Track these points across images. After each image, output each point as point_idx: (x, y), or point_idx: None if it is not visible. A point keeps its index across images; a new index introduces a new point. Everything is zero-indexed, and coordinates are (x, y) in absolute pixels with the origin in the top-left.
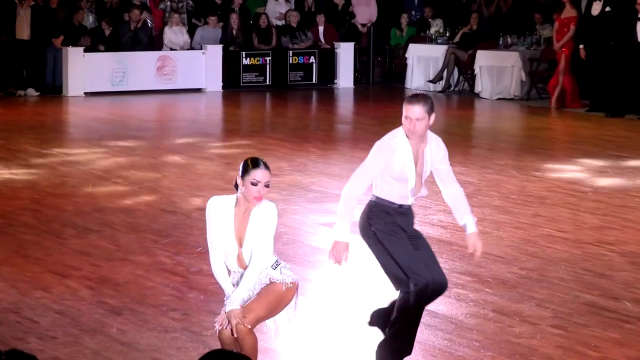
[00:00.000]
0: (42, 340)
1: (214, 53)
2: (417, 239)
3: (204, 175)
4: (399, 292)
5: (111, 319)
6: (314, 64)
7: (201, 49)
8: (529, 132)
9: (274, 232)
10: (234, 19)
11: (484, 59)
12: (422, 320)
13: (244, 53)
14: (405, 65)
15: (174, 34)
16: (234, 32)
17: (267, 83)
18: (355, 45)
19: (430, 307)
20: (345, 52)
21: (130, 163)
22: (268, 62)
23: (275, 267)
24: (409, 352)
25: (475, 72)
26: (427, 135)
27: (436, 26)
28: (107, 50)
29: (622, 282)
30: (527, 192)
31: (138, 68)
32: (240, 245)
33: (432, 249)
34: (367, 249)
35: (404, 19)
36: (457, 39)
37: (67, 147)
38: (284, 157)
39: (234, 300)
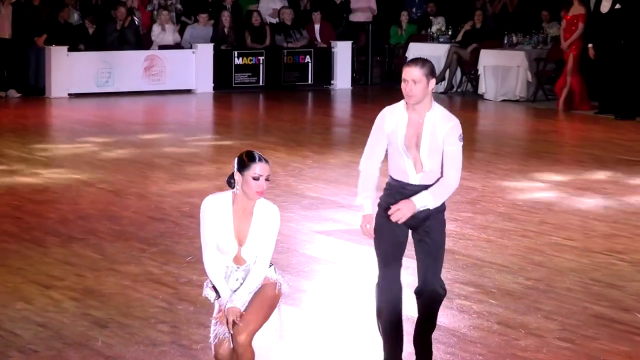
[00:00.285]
0: (23, 354)
1: (205, 52)
2: (425, 234)
3: (194, 180)
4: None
5: (96, 332)
6: (310, 64)
7: (191, 48)
8: (535, 136)
9: (276, 237)
10: (226, 17)
11: (488, 58)
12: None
13: (236, 52)
14: None
15: (163, 31)
16: (226, 30)
17: (261, 84)
18: (353, 44)
19: None
20: (343, 52)
21: (116, 168)
22: (261, 61)
23: (271, 265)
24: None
25: (479, 73)
26: (433, 106)
27: (438, 24)
28: (91, 49)
29: (633, 293)
30: (533, 198)
31: (125, 68)
32: (241, 244)
33: (438, 251)
34: None
35: (404, 17)
36: (459, 37)
37: (50, 151)
38: (278, 161)
39: (235, 301)
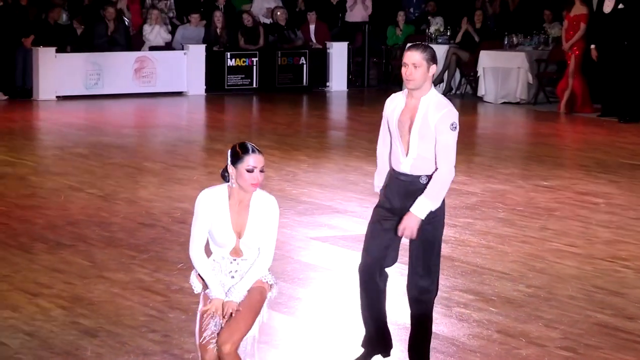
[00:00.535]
0: None
1: (197, 54)
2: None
3: (185, 185)
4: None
5: (85, 341)
6: (305, 66)
7: (182, 49)
8: (536, 139)
9: (277, 228)
10: (218, 17)
11: (487, 60)
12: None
13: (228, 54)
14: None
15: (154, 32)
16: (218, 31)
17: (254, 86)
18: (349, 45)
19: None
20: (338, 53)
21: (105, 172)
22: (255, 63)
23: None
24: (376, 346)
25: (479, 74)
26: (430, 92)
27: (436, 24)
28: (79, 50)
29: (637, 301)
30: (534, 203)
31: (114, 70)
32: (239, 236)
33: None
34: None
35: (401, 17)
36: (458, 38)
37: (37, 155)
38: (272, 165)
39: (235, 294)
